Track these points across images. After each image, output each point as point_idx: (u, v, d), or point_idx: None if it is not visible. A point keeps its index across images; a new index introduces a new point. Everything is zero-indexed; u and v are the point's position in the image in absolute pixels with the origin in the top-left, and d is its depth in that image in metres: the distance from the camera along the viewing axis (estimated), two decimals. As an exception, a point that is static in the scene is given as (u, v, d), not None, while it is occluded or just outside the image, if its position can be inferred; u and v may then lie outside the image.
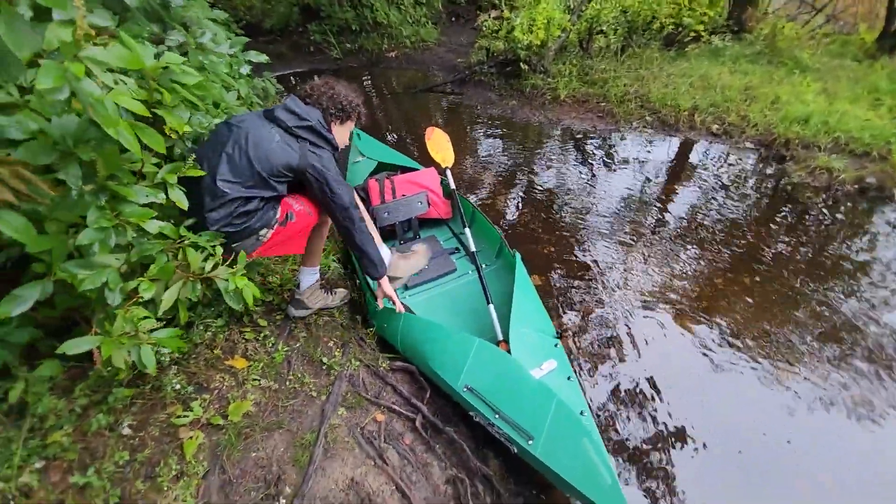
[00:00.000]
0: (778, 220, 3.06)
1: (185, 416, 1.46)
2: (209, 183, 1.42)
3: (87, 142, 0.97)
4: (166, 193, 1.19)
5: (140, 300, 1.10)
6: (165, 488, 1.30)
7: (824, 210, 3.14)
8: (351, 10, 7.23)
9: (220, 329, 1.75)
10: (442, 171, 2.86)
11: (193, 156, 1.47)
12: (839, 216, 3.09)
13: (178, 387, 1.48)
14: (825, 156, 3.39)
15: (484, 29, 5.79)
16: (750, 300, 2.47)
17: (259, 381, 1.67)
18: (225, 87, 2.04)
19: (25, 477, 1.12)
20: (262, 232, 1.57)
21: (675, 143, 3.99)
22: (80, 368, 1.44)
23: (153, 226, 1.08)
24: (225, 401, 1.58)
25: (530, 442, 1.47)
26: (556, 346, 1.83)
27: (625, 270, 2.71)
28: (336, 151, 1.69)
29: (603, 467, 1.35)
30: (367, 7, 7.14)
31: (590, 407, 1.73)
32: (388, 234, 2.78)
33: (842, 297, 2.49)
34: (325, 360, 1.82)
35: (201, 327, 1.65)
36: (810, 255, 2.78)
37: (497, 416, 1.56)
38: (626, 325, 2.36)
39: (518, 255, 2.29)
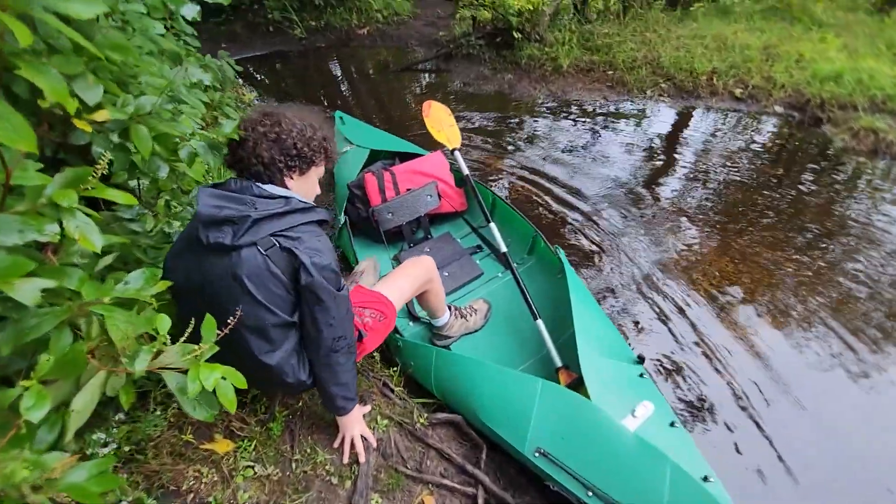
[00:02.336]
0: (831, 190, 2.73)
1: (145, 548, 0.97)
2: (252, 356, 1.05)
3: None
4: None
5: (21, 430, 0.59)
6: None
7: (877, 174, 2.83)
8: (312, -18, 6.47)
9: (189, 397, 1.24)
10: (449, 154, 2.38)
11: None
12: None
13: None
14: (867, 116, 3.08)
15: (464, -2, 5.23)
16: (811, 279, 2.15)
17: (253, 467, 1.18)
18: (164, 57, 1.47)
19: None
20: None
21: (695, 110, 3.61)
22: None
23: (27, 292, 0.56)
24: (206, 507, 1.09)
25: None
26: (641, 376, 1.42)
27: (662, 254, 2.34)
28: (308, 213, 1.05)
29: None
30: (330, -23, 6.40)
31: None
32: (394, 237, 2.30)
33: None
34: (341, 423, 1.34)
35: (158, 409, 1.13)
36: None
37: (590, 493, 1.13)
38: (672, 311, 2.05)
39: (562, 253, 1.86)
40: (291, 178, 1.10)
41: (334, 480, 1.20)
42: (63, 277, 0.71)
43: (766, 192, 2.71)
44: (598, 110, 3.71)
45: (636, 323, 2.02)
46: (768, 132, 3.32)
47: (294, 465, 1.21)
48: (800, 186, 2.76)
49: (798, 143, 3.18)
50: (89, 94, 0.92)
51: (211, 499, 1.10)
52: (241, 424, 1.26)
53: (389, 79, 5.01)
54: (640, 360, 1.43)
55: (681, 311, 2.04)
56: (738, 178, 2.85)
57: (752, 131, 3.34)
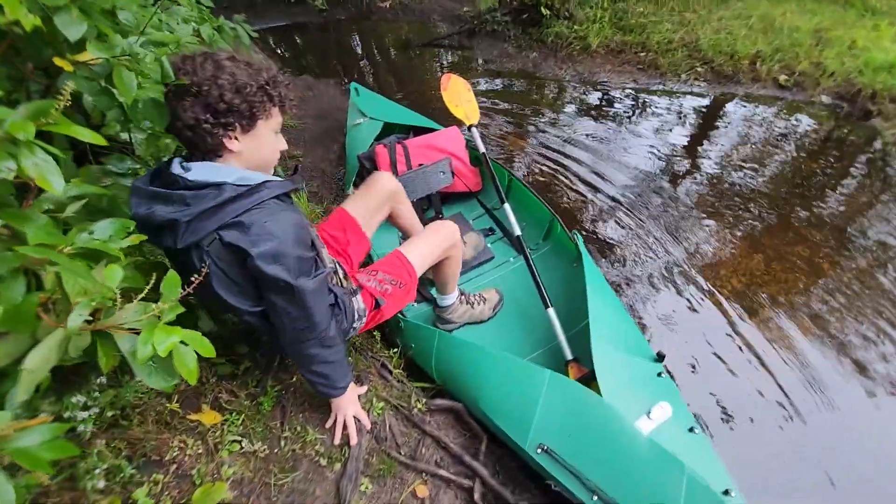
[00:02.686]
0: (877, 189, 2.52)
1: (121, 518, 0.92)
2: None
3: None
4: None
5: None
6: None
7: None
8: (336, -48, 6.25)
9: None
10: (466, 131, 2.26)
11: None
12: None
13: (100, 476, 0.92)
14: (923, 110, 2.82)
15: (493, -29, 4.98)
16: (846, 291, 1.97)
17: (240, 442, 1.13)
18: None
19: None
20: (355, 325, 1.21)
21: (734, 97, 3.37)
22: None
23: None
24: (188, 480, 1.04)
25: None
26: (660, 374, 1.31)
27: (689, 247, 2.18)
28: (253, 195, 0.85)
29: None
30: (354, -53, 6.18)
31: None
32: (403, 215, 2.20)
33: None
34: (334, 402, 1.28)
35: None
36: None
37: (595, 497, 1.04)
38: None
39: (581, 240, 1.74)
40: (234, 140, 0.88)
41: (323, 461, 1.14)
42: (23, 222, 0.64)
43: (805, 188, 2.51)
44: (628, 93, 3.50)
45: (657, 318, 1.89)
46: (812, 124, 3.08)
47: (282, 443, 1.16)
48: (844, 183, 2.56)
49: (844, 136, 2.94)
50: (71, 29, 0.83)
51: (194, 471, 1.05)
52: (230, 397, 1.21)
53: (410, 55, 4.85)
54: (660, 357, 1.32)
55: (706, 308, 1.91)
56: (776, 172, 2.65)
57: (795, 122, 3.10)
